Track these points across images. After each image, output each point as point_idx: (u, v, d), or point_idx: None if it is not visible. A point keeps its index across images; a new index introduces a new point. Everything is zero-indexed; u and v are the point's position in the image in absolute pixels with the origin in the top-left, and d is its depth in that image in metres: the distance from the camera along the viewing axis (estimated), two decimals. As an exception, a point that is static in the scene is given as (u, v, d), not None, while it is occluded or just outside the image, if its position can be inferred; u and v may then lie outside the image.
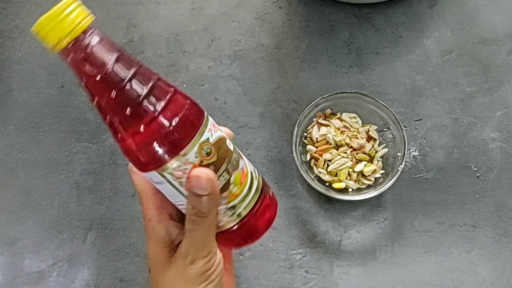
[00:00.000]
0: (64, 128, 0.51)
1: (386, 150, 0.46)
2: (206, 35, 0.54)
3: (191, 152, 0.27)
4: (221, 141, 0.29)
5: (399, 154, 0.44)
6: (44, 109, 0.52)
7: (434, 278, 0.44)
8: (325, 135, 0.45)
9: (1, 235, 0.48)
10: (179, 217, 0.33)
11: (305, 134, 0.47)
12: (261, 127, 0.49)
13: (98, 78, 0.26)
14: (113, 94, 0.26)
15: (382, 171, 0.45)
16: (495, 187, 0.46)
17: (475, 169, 0.47)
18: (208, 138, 0.28)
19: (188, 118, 0.28)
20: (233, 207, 0.30)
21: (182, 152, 0.27)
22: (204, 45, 0.53)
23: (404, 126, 0.47)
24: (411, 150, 0.48)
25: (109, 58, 0.27)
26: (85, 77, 0.26)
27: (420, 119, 0.49)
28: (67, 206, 0.49)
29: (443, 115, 0.49)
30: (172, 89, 0.28)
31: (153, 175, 0.28)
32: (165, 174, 0.28)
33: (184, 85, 0.52)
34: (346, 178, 0.45)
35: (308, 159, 0.46)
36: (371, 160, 0.46)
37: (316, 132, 0.46)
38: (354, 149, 0.45)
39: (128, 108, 0.26)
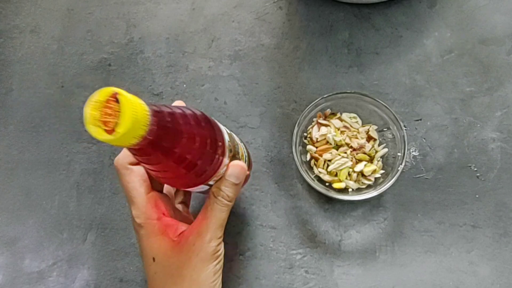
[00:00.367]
0: (64, 128, 0.51)
1: (386, 150, 0.46)
2: (206, 35, 0.54)
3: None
4: (230, 137, 0.36)
5: (399, 154, 0.44)
6: (44, 109, 0.52)
7: (434, 278, 0.44)
8: (325, 135, 0.45)
9: (1, 235, 0.48)
10: (171, 215, 0.37)
11: (305, 134, 0.47)
12: (261, 127, 0.49)
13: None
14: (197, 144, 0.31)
15: (382, 171, 0.45)
16: (495, 187, 0.46)
17: (475, 169, 0.47)
18: (229, 145, 0.35)
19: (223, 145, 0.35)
20: None
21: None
22: (204, 45, 0.53)
23: (404, 126, 0.47)
24: (411, 150, 0.48)
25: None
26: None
27: (420, 119, 0.49)
28: (67, 206, 0.49)
29: (443, 115, 0.49)
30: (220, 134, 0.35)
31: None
32: (210, 182, 0.35)
33: (184, 85, 0.52)
34: (346, 178, 0.45)
35: (308, 159, 0.46)
36: (371, 160, 0.46)
37: (316, 132, 0.46)
38: (354, 149, 0.45)
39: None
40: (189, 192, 0.44)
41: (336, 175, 0.45)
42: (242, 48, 0.53)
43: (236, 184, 0.35)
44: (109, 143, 0.24)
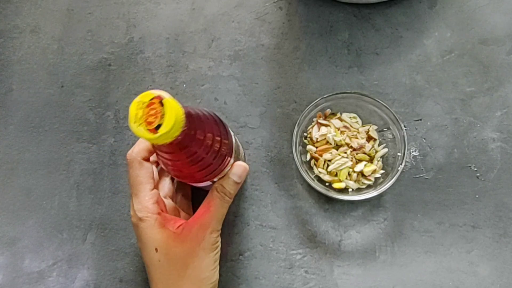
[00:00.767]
0: (64, 128, 0.51)
1: (386, 150, 0.46)
2: (206, 35, 0.54)
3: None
4: (235, 138, 0.39)
5: (399, 154, 0.44)
6: (44, 109, 0.52)
7: (434, 278, 0.44)
8: (325, 135, 0.45)
9: (1, 235, 0.48)
10: (169, 213, 0.40)
11: (305, 134, 0.47)
12: (261, 127, 0.49)
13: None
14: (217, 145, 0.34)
15: (382, 171, 0.45)
16: (495, 187, 0.46)
17: (475, 169, 0.47)
18: (235, 146, 0.38)
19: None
20: None
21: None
22: (204, 45, 0.53)
23: (404, 126, 0.47)
24: (411, 150, 0.48)
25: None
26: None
27: (420, 119, 0.49)
28: (67, 206, 0.49)
29: (443, 115, 0.49)
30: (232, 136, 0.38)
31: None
32: (215, 179, 0.37)
33: (184, 85, 0.52)
34: (346, 178, 0.45)
35: (308, 159, 0.46)
36: (371, 160, 0.46)
37: (316, 132, 0.46)
38: (354, 149, 0.45)
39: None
40: (189, 186, 0.46)
41: (336, 175, 0.45)
42: (242, 48, 0.53)
43: (238, 183, 0.39)
44: (148, 141, 0.27)
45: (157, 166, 0.42)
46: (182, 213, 0.43)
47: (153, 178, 0.39)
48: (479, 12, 0.52)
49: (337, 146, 0.46)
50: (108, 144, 0.50)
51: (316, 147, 0.46)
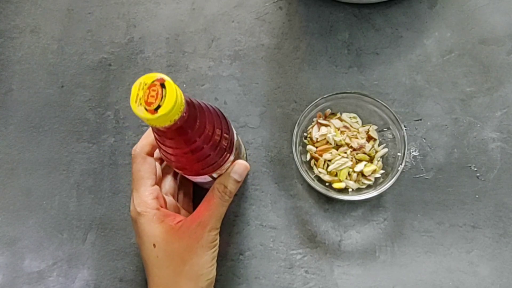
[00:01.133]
0: (64, 128, 0.51)
1: (386, 150, 0.46)
2: (206, 35, 0.54)
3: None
4: (237, 137, 0.39)
5: (399, 154, 0.44)
6: (44, 109, 0.52)
7: (434, 278, 0.44)
8: (325, 135, 0.45)
9: (1, 235, 0.48)
10: (169, 209, 0.40)
11: (305, 134, 0.47)
12: (261, 127, 0.50)
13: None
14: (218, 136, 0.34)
15: (382, 171, 0.45)
16: (495, 187, 0.46)
17: (475, 169, 0.47)
18: (236, 143, 0.38)
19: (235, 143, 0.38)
20: None
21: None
22: (204, 45, 0.53)
23: (404, 126, 0.47)
24: (411, 150, 0.48)
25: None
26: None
27: (420, 119, 0.49)
28: (67, 206, 0.49)
29: (443, 115, 0.49)
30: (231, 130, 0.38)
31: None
32: (214, 174, 0.38)
33: (184, 85, 0.52)
34: (346, 178, 0.45)
35: (308, 159, 0.46)
36: (371, 160, 0.46)
37: (316, 132, 0.46)
38: (354, 149, 0.45)
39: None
40: (191, 184, 0.46)
41: (336, 175, 0.45)
42: (242, 48, 0.53)
43: (238, 182, 0.39)
44: (147, 121, 0.27)
45: (161, 164, 0.42)
46: (183, 211, 0.43)
47: (155, 174, 0.39)
48: (479, 12, 0.52)
49: (337, 146, 0.46)
50: (108, 144, 0.50)
51: (316, 147, 0.46)
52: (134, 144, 0.41)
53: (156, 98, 0.27)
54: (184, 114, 0.29)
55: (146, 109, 0.27)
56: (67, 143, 0.51)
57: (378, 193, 0.42)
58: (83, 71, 0.53)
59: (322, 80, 0.51)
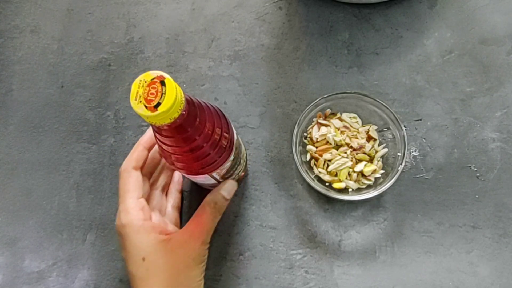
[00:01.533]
0: (64, 128, 0.51)
1: (386, 150, 0.46)
2: (206, 35, 0.54)
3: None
4: (237, 137, 0.39)
5: (399, 154, 0.44)
6: (44, 109, 0.52)
7: (434, 279, 0.44)
8: (325, 135, 0.45)
9: (1, 235, 0.48)
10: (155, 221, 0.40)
11: (305, 134, 0.47)
12: (261, 127, 0.49)
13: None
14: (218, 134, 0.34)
15: (382, 171, 0.45)
16: (495, 187, 0.46)
17: (475, 169, 0.47)
18: (236, 143, 0.38)
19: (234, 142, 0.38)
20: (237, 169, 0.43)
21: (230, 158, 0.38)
22: (204, 45, 0.53)
23: (404, 126, 0.47)
24: (411, 150, 0.48)
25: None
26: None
27: (420, 119, 0.49)
28: (67, 206, 0.49)
29: (443, 115, 0.49)
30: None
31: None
32: (214, 174, 0.38)
33: (184, 85, 0.52)
34: (346, 178, 0.45)
35: (308, 159, 0.46)
36: (371, 160, 0.46)
37: (316, 132, 0.46)
38: (354, 149, 0.45)
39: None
40: (179, 197, 0.46)
41: (336, 175, 0.45)
42: (242, 48, 0.53)
43: (227, 199, 0.41)
44: (146, 119, 0.27)
45: (149, 178, 0.42)
46: (170, 226, 0.42)
47: (141, 188, 0.39)
48: (479, 12, 0.52)
49: (337, 146, 0.46)
50: (108, 144, 0.50)
51: (316, 147, 0.46)
52: (134, 144, 0.41)
53: (156, 95, 0.27)
54: (184, 112, 0.29)
55: (146, 107, 0.27)
56: (67, 143, 0.51)
57: (378, 193, 0.42)
58: (83, 71, 0.53)
59: (322, 80, 0.51)
